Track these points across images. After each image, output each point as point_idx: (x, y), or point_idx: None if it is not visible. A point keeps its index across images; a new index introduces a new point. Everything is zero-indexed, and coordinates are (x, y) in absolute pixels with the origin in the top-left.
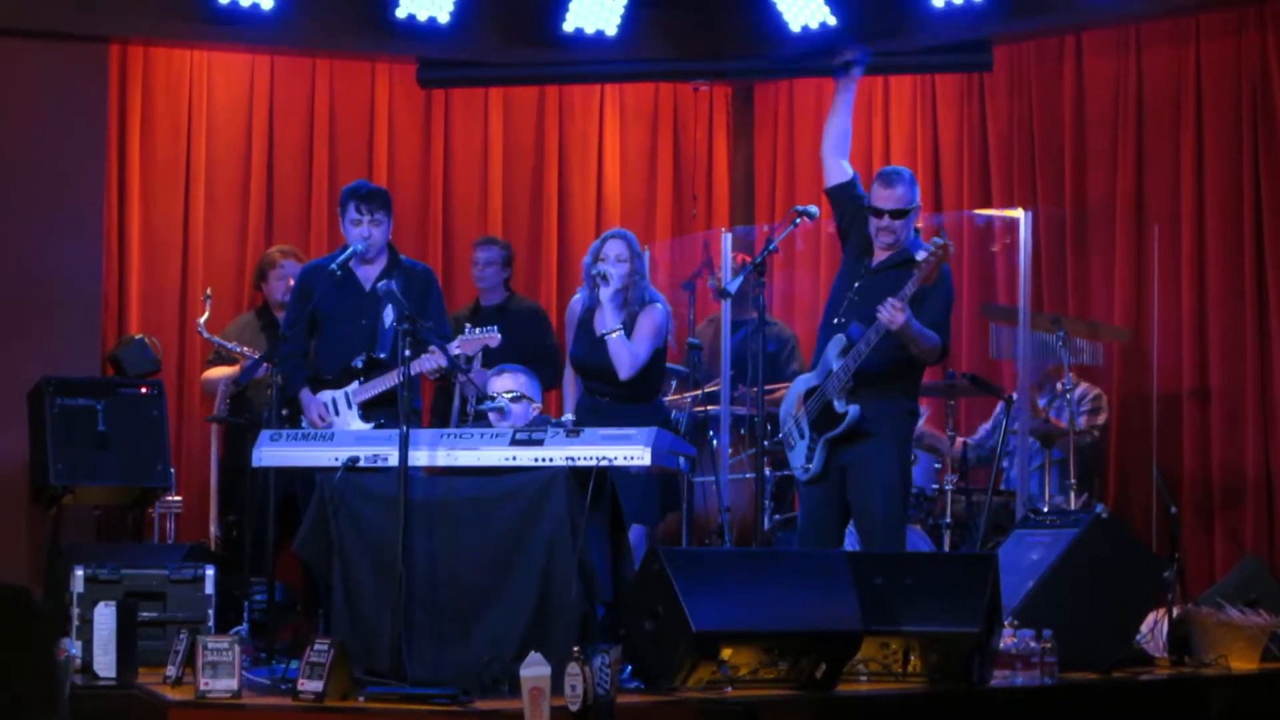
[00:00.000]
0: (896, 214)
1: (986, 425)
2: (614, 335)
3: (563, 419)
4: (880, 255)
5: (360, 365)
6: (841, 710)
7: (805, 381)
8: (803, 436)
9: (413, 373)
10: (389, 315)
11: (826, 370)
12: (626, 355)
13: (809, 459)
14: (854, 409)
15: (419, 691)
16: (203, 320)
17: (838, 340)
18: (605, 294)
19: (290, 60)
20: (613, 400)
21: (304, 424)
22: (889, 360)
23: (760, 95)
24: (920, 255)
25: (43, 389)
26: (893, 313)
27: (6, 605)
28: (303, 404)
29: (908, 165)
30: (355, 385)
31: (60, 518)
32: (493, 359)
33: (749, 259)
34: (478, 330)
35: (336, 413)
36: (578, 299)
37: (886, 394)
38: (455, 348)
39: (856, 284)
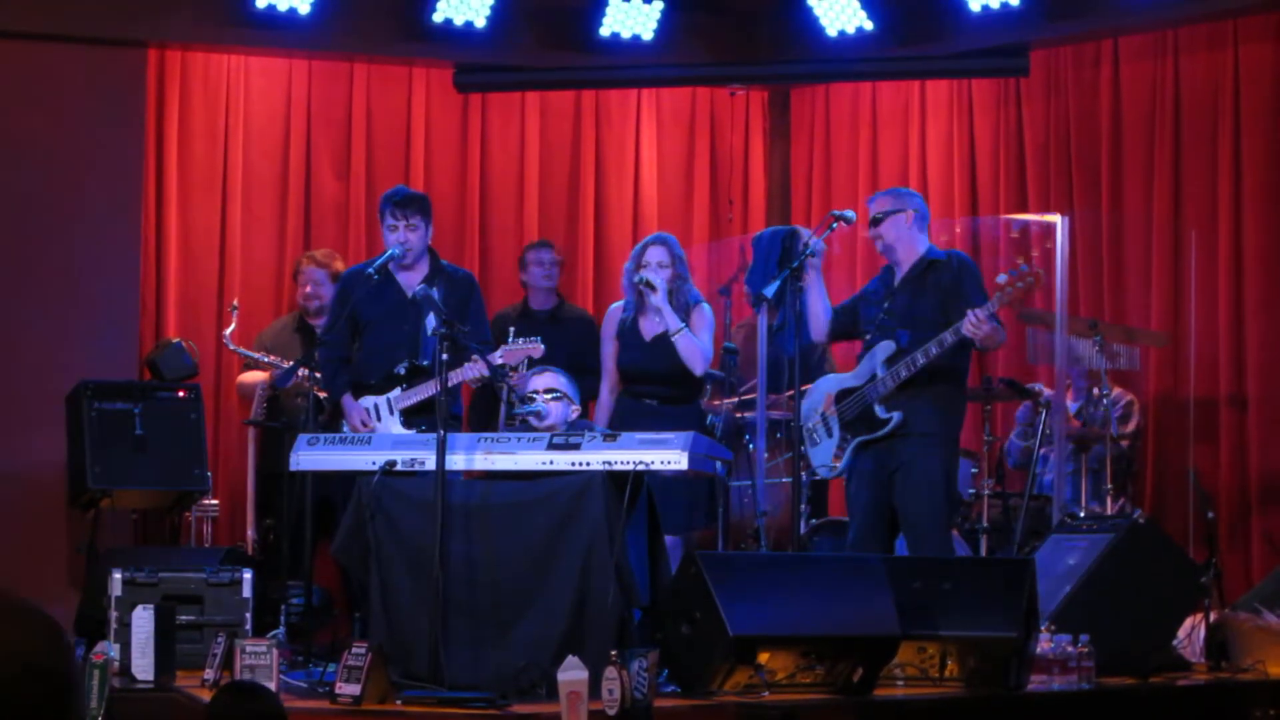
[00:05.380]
0: (871, 222)
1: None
2: (680, 333)
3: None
4: (901, 272)
5: (403, 371)
6: (879, 714)
7: (838, 381)
8: (831, 435)
9: (455, 381)
10: (431, 321)
11: (870, 374)
12: (697, 350)
13: (836, 457)
14: (897, 415)
15: (456, 695)
16: (228, 332)
17: (885, 346)
18: (655, 300)
19: (328, 65)
20: (660, 403)
21: (344, 429)
22: (937, 365)
23: (797, 99)
24: (1001, 279)
25: (80, 392)
26: (976, 327)
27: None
28: (344, 410)
29: (944, 170)
30: (397, 392)
31: (98, 521)
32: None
33: None
34: (520, 340)
35: (378, 418)
36: (617, 307)
37: (932, 395)
38: (498, 357)
39: (885, 303)
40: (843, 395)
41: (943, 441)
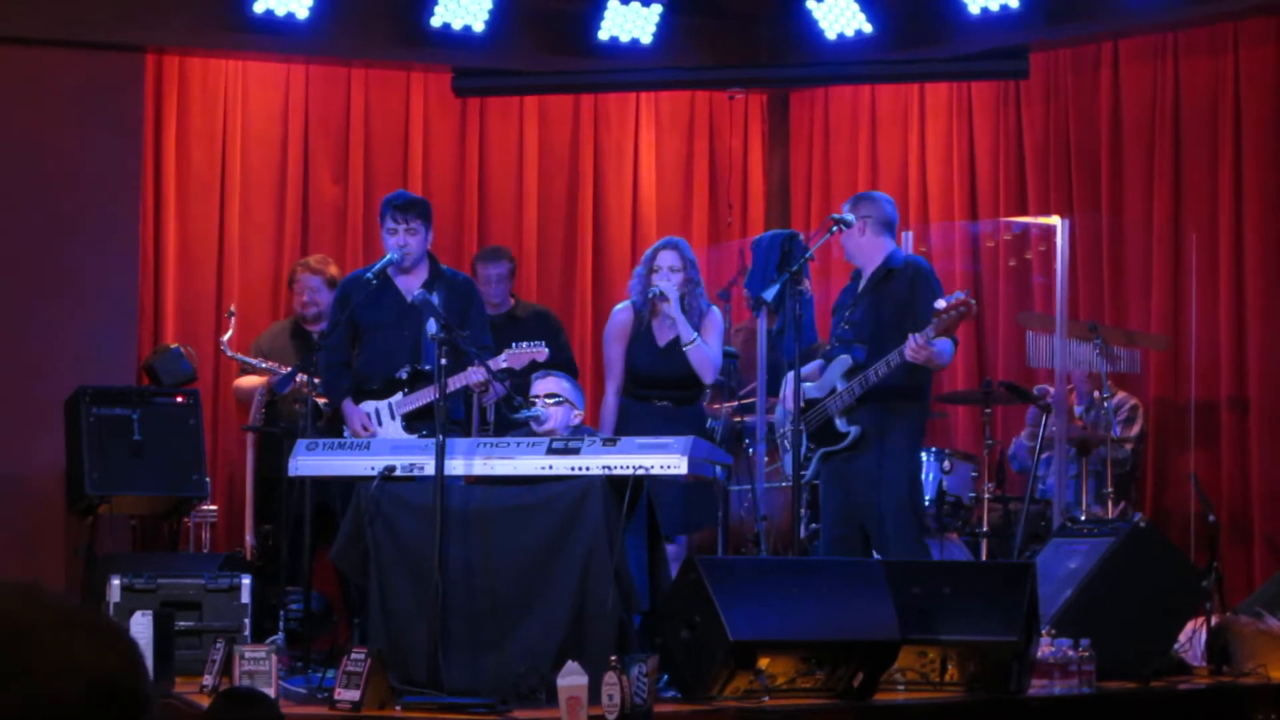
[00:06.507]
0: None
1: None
2: (693, 344)
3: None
4: (862, 281)
5: (405, 376)
6: (879, 719)
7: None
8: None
9: (459, 385)
10: (432, 326)
11: (830, 388)
12: (709, 360)
13: (804, 467)
14: (855, 430)
15: (456, 700)
16: (226, 338)
17: (842, 361)
18: (669, 310)
19: (325, 70)
20: (673, 404)
21: (346, 434)
22: (896, 379)
23: (796, 103)
24: (939, 304)
25: (79, 398)
26: (915, 352)
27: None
28: (345, 415)
29: (943, 173)
30: (399, 396)
31: (97, 527)
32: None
33: None
34: (525, 344)
35: (380, 423)
36: (623, 309)
37: (891, 409)
38: (503, 361)
39: (848, 313)
40: (808, 407)
41: (903, 453)
